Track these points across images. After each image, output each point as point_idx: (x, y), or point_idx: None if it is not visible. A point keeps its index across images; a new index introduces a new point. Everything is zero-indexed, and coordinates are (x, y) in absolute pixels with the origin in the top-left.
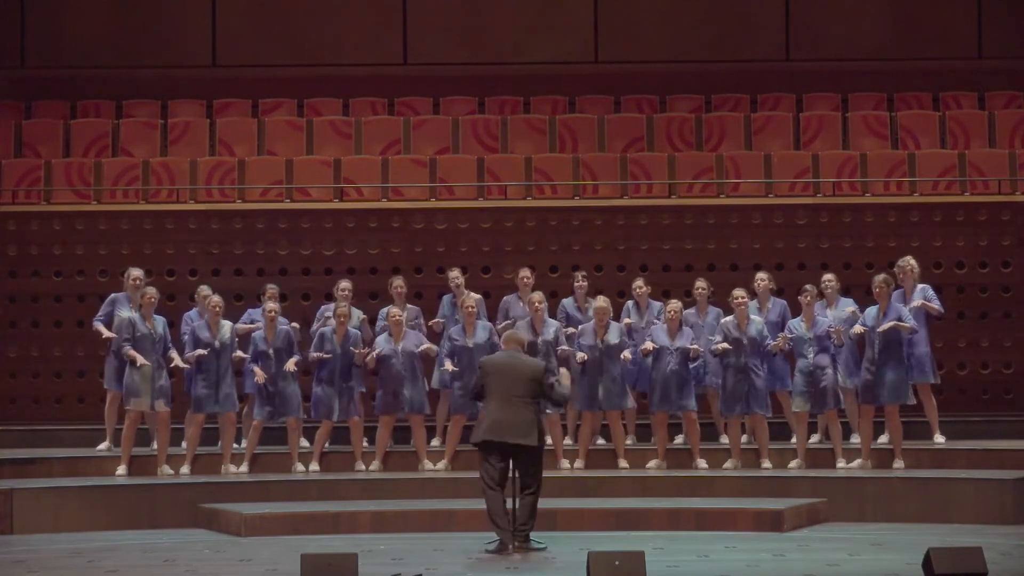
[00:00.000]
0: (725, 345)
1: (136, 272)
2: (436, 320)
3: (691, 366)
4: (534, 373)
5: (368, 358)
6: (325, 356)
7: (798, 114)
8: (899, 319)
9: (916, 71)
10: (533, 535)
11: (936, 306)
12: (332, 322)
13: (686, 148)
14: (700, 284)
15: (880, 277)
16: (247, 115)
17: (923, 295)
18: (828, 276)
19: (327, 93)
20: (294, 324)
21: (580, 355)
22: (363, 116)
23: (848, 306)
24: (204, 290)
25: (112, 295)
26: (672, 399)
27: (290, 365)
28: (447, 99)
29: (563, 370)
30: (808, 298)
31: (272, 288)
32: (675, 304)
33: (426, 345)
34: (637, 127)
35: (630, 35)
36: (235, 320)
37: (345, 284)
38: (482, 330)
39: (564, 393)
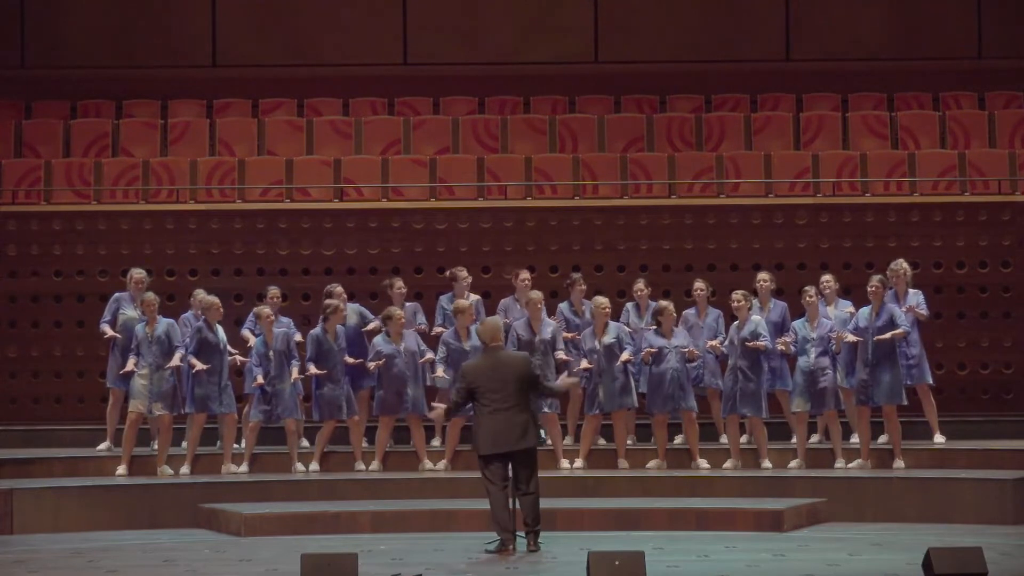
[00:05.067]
0: (715, 343)
1: (138, 273)
2: (437, 329)
3: (689, 367)
4: (522, 371)
5: (371, 365)
6: (320, 373)
7: (798, 114)
8: (892, 319)
9: (916, 71)
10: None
11: (924, 312)
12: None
13: (686, 148)
14: (699, 285)
15: (875, 278)
16: (247, 115)
17: (915, 300)
18: (826, 277)
19: (327, 93)
20: (298, 339)
21: (584, 363)
22: (363, 116)
23: (847, 307)
24: (200, 294)
25: (116, 295)
26: (671, 399)
27: (294, 373)
28: (447, 99)
29: (568, 379)
30: (808, 298)
31: (274, 290)
32: (667, 306)
33: (428, 355)
34: (637, 127)
35: (630, 35)
36: (239, 320)
37: (339, 289)
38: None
39: (554, 387)
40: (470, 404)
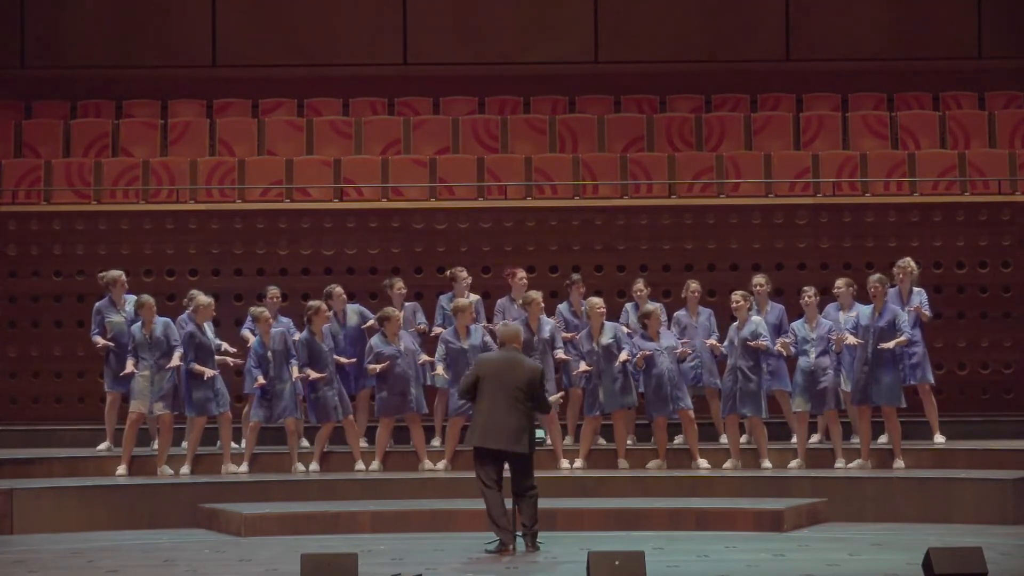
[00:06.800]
0: (713, 341)
1: (117, 274)
2: (437, 329)
3: (682, 366)
4: (531, 377)
5: (370, 368)
6: (318, 376)
7: (798, 114)
8: (894, 321)
9: (916, 71)
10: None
11: (928, 312)
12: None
13: (686, 148)
14: (695, 287)
15: (875, 277)
16: (247, 115)
17: (919, 299)
18: (840, 282)
19: (327, 93)
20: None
21: (583, 366)
22: (363, 116)
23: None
24: (199, 295)
25: (96, 305)
26: (668, 400)
27: (294, 373)
28: (447, 99)
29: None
30: (807, 299)
31: (274, 290)
32: (654, 310)
33: (424, 356)
34: (637, 127)
35: (630, 35)
36: (239, 320)
37: (338, 290)
38: (475, 332)
39: (549, 402)
40: (469, 404)
